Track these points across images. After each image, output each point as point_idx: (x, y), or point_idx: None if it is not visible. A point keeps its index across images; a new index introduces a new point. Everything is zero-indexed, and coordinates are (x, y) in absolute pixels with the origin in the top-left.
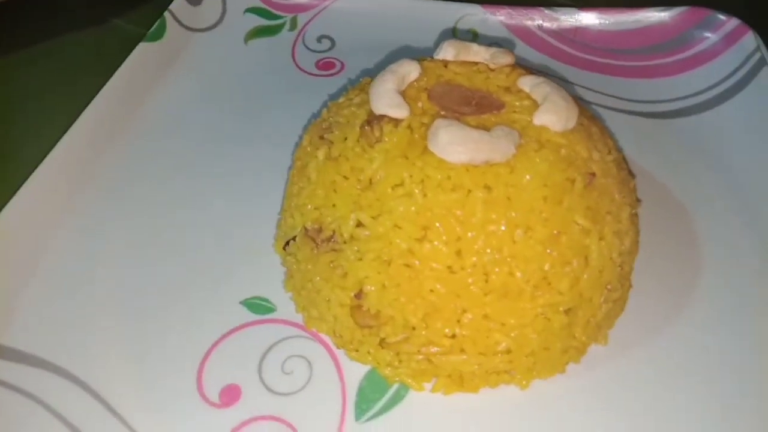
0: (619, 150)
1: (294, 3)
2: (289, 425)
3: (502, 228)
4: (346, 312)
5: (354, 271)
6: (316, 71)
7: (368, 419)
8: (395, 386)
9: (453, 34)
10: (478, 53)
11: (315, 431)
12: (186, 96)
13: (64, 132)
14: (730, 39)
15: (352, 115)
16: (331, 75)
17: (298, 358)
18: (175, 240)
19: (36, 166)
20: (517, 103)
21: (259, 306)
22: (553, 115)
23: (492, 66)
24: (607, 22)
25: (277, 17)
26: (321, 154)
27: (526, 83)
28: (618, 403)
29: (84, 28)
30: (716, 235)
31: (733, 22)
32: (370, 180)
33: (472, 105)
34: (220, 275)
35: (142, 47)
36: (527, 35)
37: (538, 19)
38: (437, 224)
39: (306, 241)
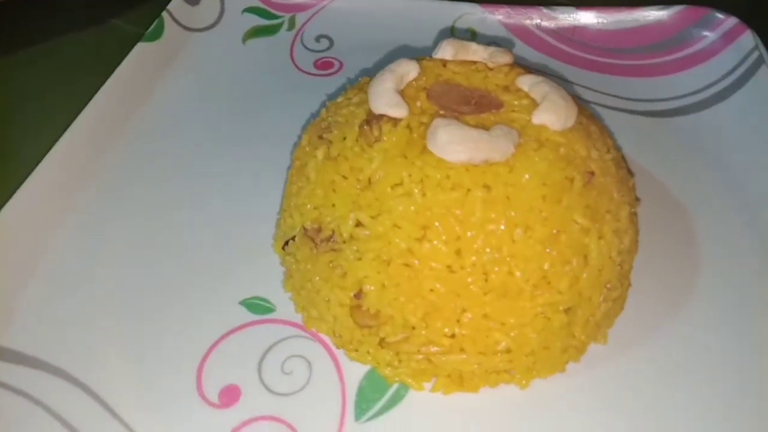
0: (618, 149)
1: (292, 2)
2: (289, 425)
3: (502, 227)
4: (345, 312)
5: (353, 271)
6: (314, 71)
7: (368, 419)
8: (395, 386)
9: (451, 33)
10: (477, 52)
11: (315, 431)
12: (185, 96)
13: (63, 132)
14: (728, 37)
15: (351, 115)
16: (330, 74)
17: (297, 358)
18: (174, 240)
19: (35, 166)
20: (516, 103)
21: (258, 306)
22: (552, 114)
23: (491, 65)
24: (605, 21)
25: (275, 17)
26: (320, 153)
27: (525, 82)
28: (618, 402)
29: (83, 28)
30: (715, 234)
31: (731, 21)
32: (369, 179)
33: (471, 104)
34: (219, 275)
35: (140, 47)
36: (526, 34)
37: (536, 18)
38: (437, 224)
39: (305, 241)
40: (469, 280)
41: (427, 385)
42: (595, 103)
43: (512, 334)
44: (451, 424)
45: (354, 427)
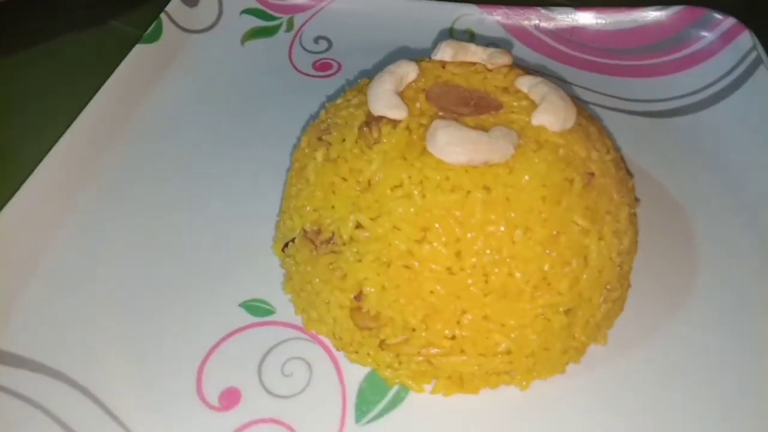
0: (618, 149)
1: (290, 4)
2: (290, 428)
3: (502, 229)
4: (345, 314)
5: (353, 273)
6: (313, 72)
7: (368, 421)
8: (395, 388)
9: (450, 34)
10: (476, 53)
11: None
12: (183, 97)
13: (64, 132)
14: (727, 38)
15: (351, 117)
16: (329, 76)
17: (297, 361)
18: (174, 242)
19: (35, 167)
20: (515, 104)
21: (258, 308)
22: (551, 115)
23: (490, 66)
24: (603, 21)
25: (273, 18)
26: (319, 155)
27: (524, 83)
28: (617, 403)
29: (84, 28)
30: (713, 234)
31: (729, 21)
32: (369, 181)
33: (470, 105)
34: (219, 277)
35: (138, 49)
36: (524, 35)
37: (534, 19)
38: (436, 225)
39: (305, 243)
40: (469, 281)
41: (428, 387)
42: (594, 104)
43: (512, 335)
44: (451, 425)
45: (354, 429)
